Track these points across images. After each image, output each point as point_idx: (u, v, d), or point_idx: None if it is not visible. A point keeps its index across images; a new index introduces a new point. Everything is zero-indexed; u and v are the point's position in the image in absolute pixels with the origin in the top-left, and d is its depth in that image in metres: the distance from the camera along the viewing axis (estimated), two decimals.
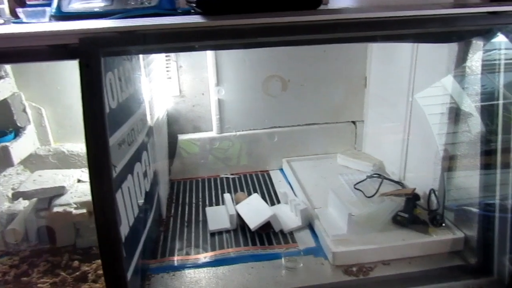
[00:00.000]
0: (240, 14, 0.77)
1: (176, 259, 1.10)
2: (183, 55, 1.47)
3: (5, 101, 1.29)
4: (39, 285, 1.00)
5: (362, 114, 1.63)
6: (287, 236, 1.18)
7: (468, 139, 1.06)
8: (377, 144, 1.57)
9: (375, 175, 1.42)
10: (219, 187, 1.51)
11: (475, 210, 1.05)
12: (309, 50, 1.52)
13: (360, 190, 1.34)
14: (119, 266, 0.77)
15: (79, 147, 1.40)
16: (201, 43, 0.77)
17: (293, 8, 0.80)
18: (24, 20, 0.92)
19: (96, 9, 0.89)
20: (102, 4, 0.89)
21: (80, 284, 1.00)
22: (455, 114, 1.09)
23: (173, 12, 0.91)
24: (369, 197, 1.30)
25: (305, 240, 1.16)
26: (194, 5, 0.81)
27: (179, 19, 0.76)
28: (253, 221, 1.17)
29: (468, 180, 1.08)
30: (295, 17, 0.75)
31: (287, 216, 1.26)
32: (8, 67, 1.29)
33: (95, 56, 0.71)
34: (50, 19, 0.93)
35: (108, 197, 0.74)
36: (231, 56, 1.48)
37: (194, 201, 1.41)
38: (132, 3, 0.88)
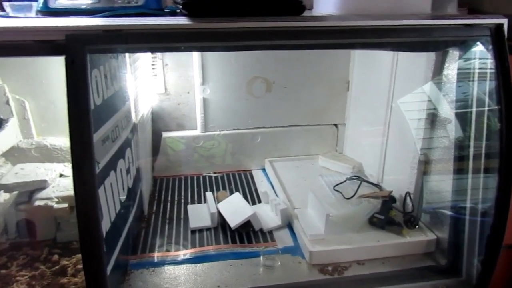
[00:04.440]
0: (225, 17, 0.79)
1: (156, 255, 1.11)
2: (169, 54, 1.48)
3: None
4: (17, 278, 1.00)
5: (344, 117, 1.66)
6: (266, 235, 1.20)
7: (443, 145, 1.10)
8: (357, 147, 1.61)
9: (354, 177, 1.46)
10: (201, 185, 1.52)
11: (447, 212, 1.10)
12: (294, 53, 1.54)
13: (339, 192, 1.37)
14: (99, 261, 0.78)
15: (62, 141, 1.40)
16: (185, 44, 0.79)
17: (277, 14, 0.83)
18: (11, 14, 0.92)
19: (83, 6, 0.90)
20: (89, 2, 0.90)
21: (59, 278, 1.00)
22: (432, 121, 1.13)
23: (160, 12, 0.93)
24: (347, 198, 1.33)
25: (283, 239, 1.18)
26: (181, 6, 0.83)
27: (164, 19, 0.78)
28: (234, 220, 1.19)
29: (442, 184, 1.12)
30: (279, 22, 0.77)
31: (267, 215, 1.28)
32: None
33: (81, 53, 0.72)
34: (36, 14, 0.93)
35: (90, 193, 0.75)
36: (217, 56, 1.49)
37: (176, 198, 1.42)
38: (119, 1, 0.89)
